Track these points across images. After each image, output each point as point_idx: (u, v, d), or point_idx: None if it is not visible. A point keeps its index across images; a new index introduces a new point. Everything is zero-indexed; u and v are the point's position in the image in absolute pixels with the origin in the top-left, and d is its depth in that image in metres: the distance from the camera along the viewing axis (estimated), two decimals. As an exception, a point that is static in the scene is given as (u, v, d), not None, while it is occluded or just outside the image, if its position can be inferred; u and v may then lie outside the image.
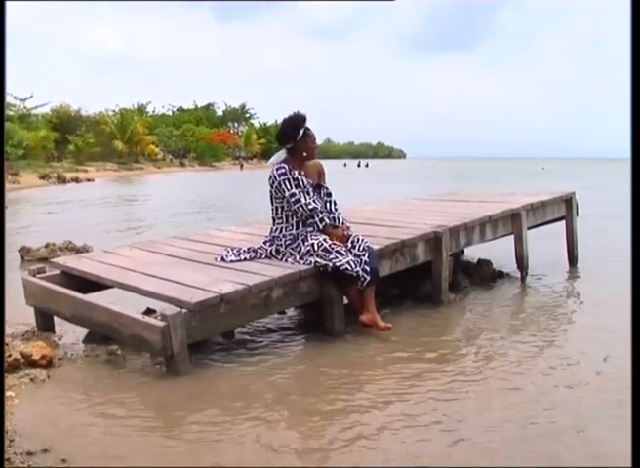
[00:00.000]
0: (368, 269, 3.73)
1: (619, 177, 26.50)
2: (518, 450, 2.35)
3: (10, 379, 2.96)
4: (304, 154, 3.95)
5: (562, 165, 66.76)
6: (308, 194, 3.92)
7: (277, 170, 3.90)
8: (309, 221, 3.93)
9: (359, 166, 64.48)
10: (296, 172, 3.91)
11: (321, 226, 3.90)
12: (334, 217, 4.04)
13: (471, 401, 2.84)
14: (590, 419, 2.64)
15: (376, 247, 3.98)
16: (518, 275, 5.55)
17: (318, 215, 3.91)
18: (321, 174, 4.08)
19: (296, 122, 3.93)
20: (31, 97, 40.99)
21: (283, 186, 3.87)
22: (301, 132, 3.90)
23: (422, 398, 2.87)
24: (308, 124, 3.95)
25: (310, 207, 3.88)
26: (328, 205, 4.06)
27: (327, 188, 4.10)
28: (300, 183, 3.89)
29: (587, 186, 18.49)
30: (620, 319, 3.78)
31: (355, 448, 2.37)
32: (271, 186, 3.95)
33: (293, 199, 3.87)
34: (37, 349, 3.25)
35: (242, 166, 54.63)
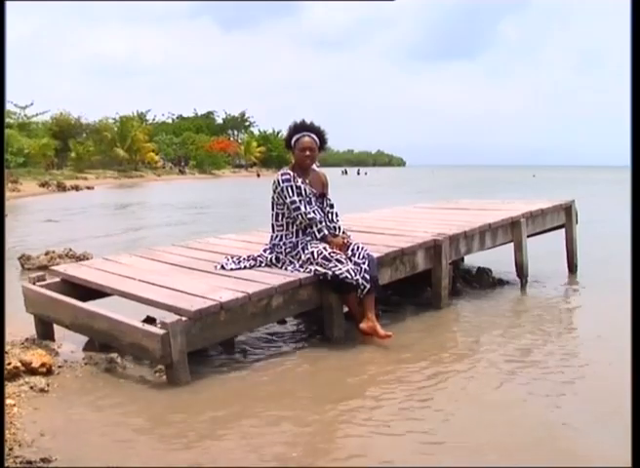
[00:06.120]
0: (368, 277, 3.73)
1: (610, 185, 26.60)
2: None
3: (9, 387, 2.95)
4: (294, 162, 4.05)
5: (555, 173, 66.88)
6: (309, 204, 3.94)
7: (282, 175, 3.94)
8: (308, 230, 3.95)
9: (358, 174, 64.76)
10: (299, 180, 3.94)
11: (319, 236, 3.91)
12: (334, 226, 4.06)
13: (470, 407, 2.83)
14: (586, 428, 2.64)
15: (376, 255, 3.98)
16: (518, 283, 5.55)
17: (317, 225, 3.92)
18: (325, 185, 4.13)
19: (291, 131, 4.05)
20: (31, 104, 41.18)
21: (285, 192, 3.90)
22: (292, 141, 3.99)
23: (423, 405, 2.86)
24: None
25: (309, 216, 3.90)
26: (330, 215, 4.10)
27: (329, 199, 4.14)
28: (303, 192, 3.92)
29: (586, 192, 18.53)
30: (619, 325, 3.78)
31: (355, 453, 2.37)
32: (274, 191, 3.98)
33: (293, 206, 3.89)
34: (37, 357, 3.24)
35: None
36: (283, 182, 3.91)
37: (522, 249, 5.44)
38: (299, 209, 3.90)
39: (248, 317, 3.38)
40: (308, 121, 4.05)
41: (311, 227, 3.93)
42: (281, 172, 4.00)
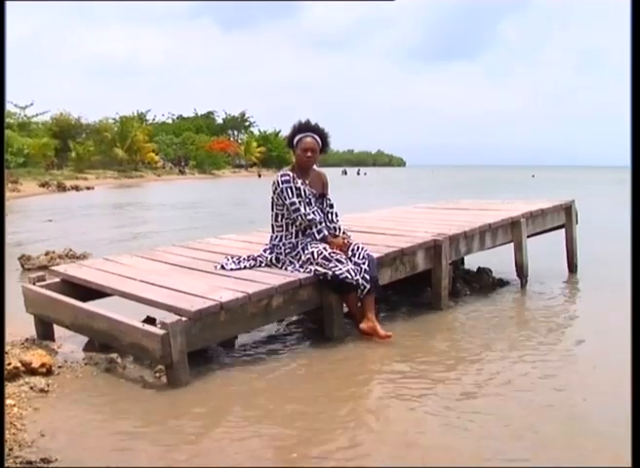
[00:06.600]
0: (368, 277, 3.74)
1: (610, 185, 26.60)
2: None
3: (9, 388, 2.95)
4: (294, 161, 4.04)
5: (554, 173, 66.94)
6: (309, 205, 3.93)
7: (281, 177, 3.93)
8: (308, 231, 3.94)
9: (358, 174, 64.86)
10: (299, 181, 3.93)
11: (319, 237, 3.91)
12: (334, 227, 4.06)
13: (469, 408, 2.83)
14: (582, 431, 2.64)
15: (376, 255, 3.98)
16: (518, 283, 5.55)
17: (317, 226, 3.92)
18: (325, 185, 4.12)
19: (295, 130, 4.01)
20: (31, 104, 41.20)
21: (285, 194, 3.89)
22: (295, 140, 3.96)
23: (423, 406, 2.86)
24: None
25: (309, 218, 3.90)
26: (330, 215, 4.10)
27: (329, 199, 4.13)
28: (302, 193, 3.91)
29: (585, 192, 18.54)
30: (619, 325, 3.78)
31: (356, 453, 2.37)
32: (274, 192, 3.97)
33: (293, 207, 3.89)
34: (37, 357, 3.24)
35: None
36: (282, 183, 3.91)
37: (522, 249, 5.44)
38: (298, 210, 3.89)
39: (248, 317, 3.38)
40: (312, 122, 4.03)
41: (311, 228, 3.93)
42: (280, 172, 3.99)
